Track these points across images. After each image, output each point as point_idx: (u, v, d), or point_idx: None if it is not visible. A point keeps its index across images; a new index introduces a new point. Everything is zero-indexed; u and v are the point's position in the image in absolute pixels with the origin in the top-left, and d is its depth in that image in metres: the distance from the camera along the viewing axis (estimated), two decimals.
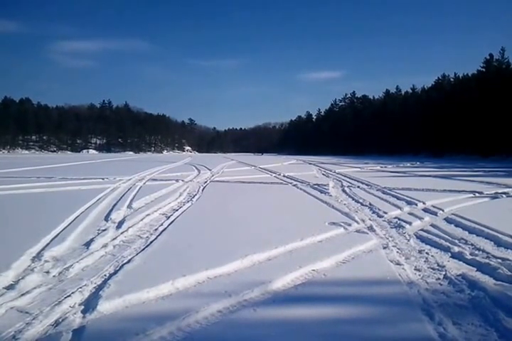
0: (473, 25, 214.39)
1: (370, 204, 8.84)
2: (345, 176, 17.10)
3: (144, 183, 13.33)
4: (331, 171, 20.69)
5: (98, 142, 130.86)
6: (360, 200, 9.42)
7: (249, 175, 18.23)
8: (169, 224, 6.54)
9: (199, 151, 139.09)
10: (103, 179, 14.50)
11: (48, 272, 4.10)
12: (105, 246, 5.14)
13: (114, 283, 3.68)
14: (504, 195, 10.34)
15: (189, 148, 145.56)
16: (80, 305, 3.32)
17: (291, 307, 3.28)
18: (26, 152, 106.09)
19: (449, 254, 4.94)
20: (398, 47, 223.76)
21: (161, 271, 4.03)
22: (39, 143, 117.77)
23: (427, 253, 4.99)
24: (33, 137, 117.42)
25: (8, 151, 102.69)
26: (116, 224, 6.50)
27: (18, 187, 11.55)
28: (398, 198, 9.70)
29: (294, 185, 13.28)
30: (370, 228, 6.38)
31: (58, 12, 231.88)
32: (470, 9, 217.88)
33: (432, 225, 6.60)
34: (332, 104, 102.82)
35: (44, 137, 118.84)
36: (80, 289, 3.61)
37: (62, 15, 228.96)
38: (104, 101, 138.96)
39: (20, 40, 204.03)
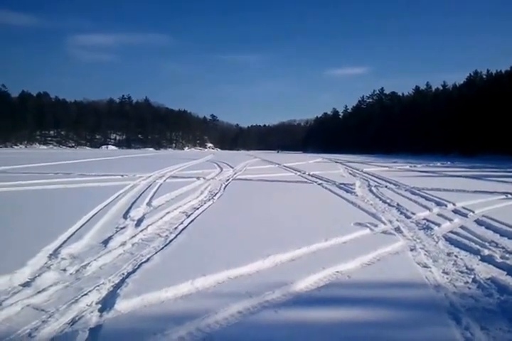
0: (505, 23, 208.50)
1: (397, 204, 8.66)
2: (372, 175, 16.85)
3: (165, 180, 13.29)
4: (357, 170, 20.44)
5: (118, 138, 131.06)
6: (388, 200, 9.24)
7: (273, 173, 18.06)
8: (189, 223, 6.49)
9: (221, 148, 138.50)
10: (122, 176, 14.41)
11: (64, 270, 4.08)
12: (124, 244, 5.12)
13: (132, 281, 3.65)
14: None
15: (211, 145, 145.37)
16: (97, 303, 3.30)
17: (313, 309, 3.21)
18: (44, 147, 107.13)
19: (479, 257, 4.79)
20: (428, 44, 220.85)
21: (180, 270, 3.98)
22: (57, 138, 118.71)
23: (455, 255, 4.84)
24: (51, 132, 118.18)
25: (26, 146, 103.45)
26: (135, 222, 6.46)
27: (35, 183, 11.59)
28: (427, 199, 9.48)
29: (320, 184, 13.13)
30: (397, 229, 6.23)
31: (76, 5, 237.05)
32: (501, 8, 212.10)
33: (462, 227, 6.42)
34: (359, 101, 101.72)
35: (62, 132, 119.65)
36: (97, 287, 3.58)
37: (81, 8, 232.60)
38: (123, 96, 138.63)
39: (37, 33, 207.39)
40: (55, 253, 4.62)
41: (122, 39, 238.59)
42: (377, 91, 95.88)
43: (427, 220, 6.95)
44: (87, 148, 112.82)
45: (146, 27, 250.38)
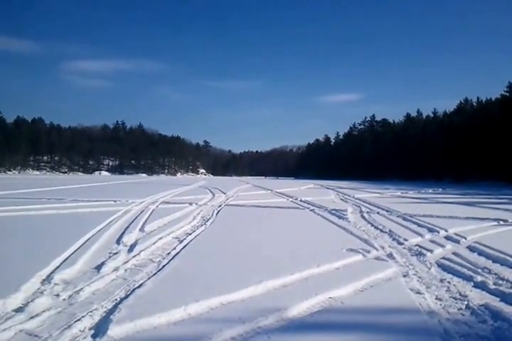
0: (497, 49, 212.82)
1: (390, 230, 8.67)
2: (364, 202, 16.89)
3: (157, 206, 13.26)
4: (349, 196, 20.47)
5: (111, 163, 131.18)
6: (380, 227, 9.25)
7: (265, 199, 18.11)
8: (182, 248, 6.48)
9: (214, 174, 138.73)
10: (115, 201, 14.42)
11: (57, 295, 4.05)
12: (116, 269, 5.09)
13: (125, 307, 3.62)
14: None
15: (203, 170, 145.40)
16: (90, 329, 3.27)
17: (306, 335, 3.20)
18: (37, 173, 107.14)
19: (472, 284, 4.79)
20: (418, 71, 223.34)
21: (173, 295, 3.96)
22: (50, 164, 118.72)
23: (448, 282, 4.85)
24: (45, 158, 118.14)
25: (19, 172, 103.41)
26: (128, 248, 6.45)
27: (28, 208, 11.58)
28: (419, 225, 9.51)
29: (311, 210, 13.13)
30: (390, 255, 6.23)
31: (71, 32, 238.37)
32: (495, 32, 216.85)
33: (454, 253, 6.43)
34: (351, 128, 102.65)
35: (56, 158, 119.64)
36: (90, 313, 3.55)
37: (76, 35, 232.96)
38: (117, 122, 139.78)
39: (32, 59, 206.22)
40: (48, 279, 4.58)
41: (117, 65, 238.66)
42: (369, 118, 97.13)
43: (420, 246, 6.96)
44: (80, 173, 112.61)
45: (140, 54, 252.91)
